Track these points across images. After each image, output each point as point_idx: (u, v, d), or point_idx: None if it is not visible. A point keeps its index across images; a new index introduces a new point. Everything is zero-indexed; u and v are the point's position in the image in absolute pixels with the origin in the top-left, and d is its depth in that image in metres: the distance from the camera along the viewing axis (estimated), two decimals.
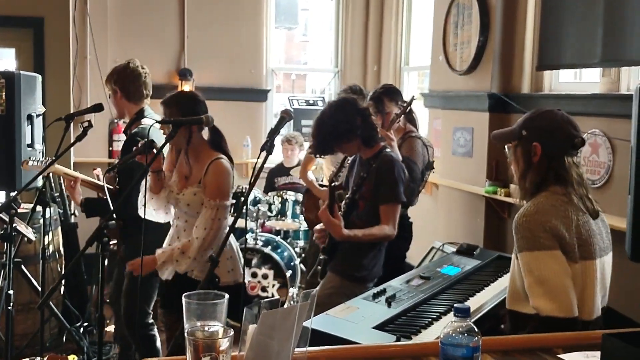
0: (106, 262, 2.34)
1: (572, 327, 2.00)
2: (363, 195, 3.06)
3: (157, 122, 2.96)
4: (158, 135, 3.15)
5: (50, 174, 3.90)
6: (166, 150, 3.05)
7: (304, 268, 5.05)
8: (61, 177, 4.84)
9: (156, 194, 3.04)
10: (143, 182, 2.79)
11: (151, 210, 3.06)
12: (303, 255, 5.16)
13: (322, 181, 4.59)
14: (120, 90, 3.45)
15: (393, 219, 3.01)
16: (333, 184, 3.05)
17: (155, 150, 2.75)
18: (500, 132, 2.41)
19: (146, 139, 2.80)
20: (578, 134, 2.20)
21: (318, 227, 3.20)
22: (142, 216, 2.84)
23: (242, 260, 3.14)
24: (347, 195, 3.14)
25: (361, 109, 3.11)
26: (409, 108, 3.73)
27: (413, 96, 3.82)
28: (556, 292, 2.03)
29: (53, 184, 4.72)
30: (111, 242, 2.88)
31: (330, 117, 3.06)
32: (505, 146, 2.33)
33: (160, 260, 2.95)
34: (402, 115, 3.74)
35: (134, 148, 2.91)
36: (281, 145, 5.52)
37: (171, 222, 3.18)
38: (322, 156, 3.38)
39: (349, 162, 3.23)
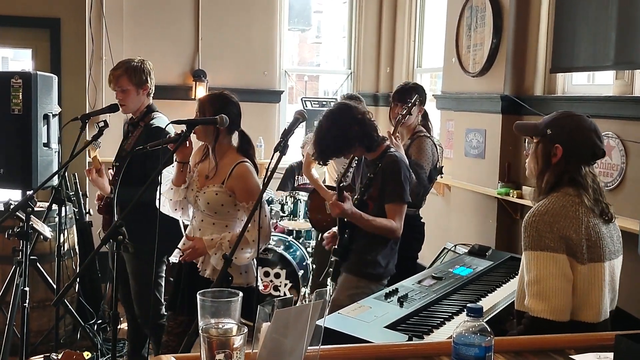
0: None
1: (561, 332, 1.98)
2: (371, 195, 3.08)
3: (172, 122, 2.98)
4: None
5: (66, 173, 3.92)
6: (196, 145, 3.05)
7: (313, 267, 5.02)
8: (76, 175, 4.92)
9: (177, 185, 3.01)
10: (164, 175, 2.83)
11: (167, 201, 3.04)
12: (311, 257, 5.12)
13: (324, 181, 4.57)
14: (145, 85, 3.48)
15: (399, 217, 3.03)
16: (342, 184, 3.06)
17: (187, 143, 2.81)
18: (523, 123, 2.39)
19: (183, 131, 2.80)
20: (601, 145, 2.19)
21: (327, 233, 3.23)
22: (158, 207, 2.84)
23: (256, 265, 3.15)
24: (355, 197, 3.15)
25: (357, 116, 3.06)
26: (413, 108, 3.69)
27: (416, 96, 3.71)
28: (548, 294, 2.03)
29: (68, 183, 4.77)
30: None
31: (328, 130, 3.05)
32: (526, 140, 2.32)
33: (209, 247, 2.91)
34: (413, 116, 3.72)
35: (168, 136, 2.91)
36: (301, 149, 5.46)
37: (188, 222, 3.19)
38: (326, 163, 3.40)
39: (356, 161, 3.23)
